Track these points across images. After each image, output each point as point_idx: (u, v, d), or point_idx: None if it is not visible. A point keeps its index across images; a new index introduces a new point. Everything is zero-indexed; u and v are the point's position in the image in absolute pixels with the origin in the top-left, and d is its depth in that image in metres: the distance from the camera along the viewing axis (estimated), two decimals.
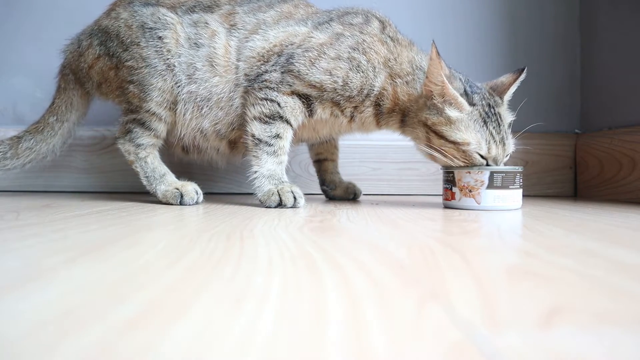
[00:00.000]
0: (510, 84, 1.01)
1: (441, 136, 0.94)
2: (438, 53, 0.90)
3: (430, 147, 0.95)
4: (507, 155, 0.97)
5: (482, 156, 0.94)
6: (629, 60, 1.27)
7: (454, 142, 0.93)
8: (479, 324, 0.28)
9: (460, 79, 0.96)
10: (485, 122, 0.93)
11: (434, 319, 0.29)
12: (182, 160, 1.19)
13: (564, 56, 1.49)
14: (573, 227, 0.71)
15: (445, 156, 0.94)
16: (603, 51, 1.38)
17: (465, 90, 0.95)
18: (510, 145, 0.97)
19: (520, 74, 1.01)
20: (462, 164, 0.95)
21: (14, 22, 1.43)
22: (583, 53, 1.47)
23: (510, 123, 1.00)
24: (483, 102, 0.95)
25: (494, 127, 0.94)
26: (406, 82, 0.97)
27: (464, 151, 0.93)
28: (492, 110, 0.95)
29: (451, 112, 0.92)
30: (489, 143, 0.93)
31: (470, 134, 0.93)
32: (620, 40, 1.31)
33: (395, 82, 0.98)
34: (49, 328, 0.26)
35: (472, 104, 0.94)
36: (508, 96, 1.01)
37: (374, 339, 0.25)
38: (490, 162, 0.95)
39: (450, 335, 0.26)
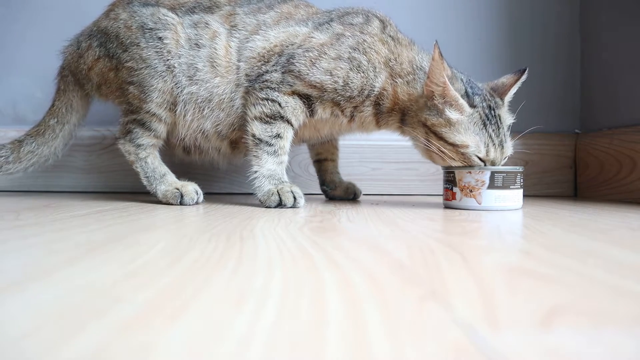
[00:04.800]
0: (512, 85, 1.00)
1: (440, 137, 0.94)
2: (441, 54, 0.90)
3: (429, 147, 0.95)
4: (505, 158, 0.97)
5: (480, 159, 0.94)
6: (629, 60, 1.27)
7: (452, 144, 0.93)
8: (479, 324, 0.28)
9: (461, 80, 0.96)
10: (485, 125, 0.93)
11: (434, 318, 0.29)
12: (182, 160, 1.19)
13: (564, 56, 1.49)
14: (573, 227, 0.71)
15: (443, 157, 0.94)
16: (603, 51, 1.38)
17: (466, 92, 0.94)
18: (509, 147, 0.97)
19: (521, 75, 1.01)
20: (460, 165, 0.95)
21: (14, 22, 1.43)
22: (583, 53, 1.47)
23: (509, 125, 0.99)
24: (484, 103, 0.95)
25: (493, 130, 0.94)
26: (407, 82, 0.97)
27: (462, 153, 0.93)
28: (492, 112, 0.95)
29: (451, 114, 0.92)
30: (488, 146, 0.93)
31: (469, 136, 0.92)
32: (620, 40, 1.31)
33: (396, 82, 0.97)
34: (49, 328, 0.26)
35: (472, 105, 0.94)
36: (509, 97, 1.01)
37: (374, 339, 0.25)
38: (488, 165, 0.95)
39: (450, 335, 0.26)
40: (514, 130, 1.01)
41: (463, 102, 0.92)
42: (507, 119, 0.99)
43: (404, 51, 1.00)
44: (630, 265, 0.45)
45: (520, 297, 0.34)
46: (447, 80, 0.90)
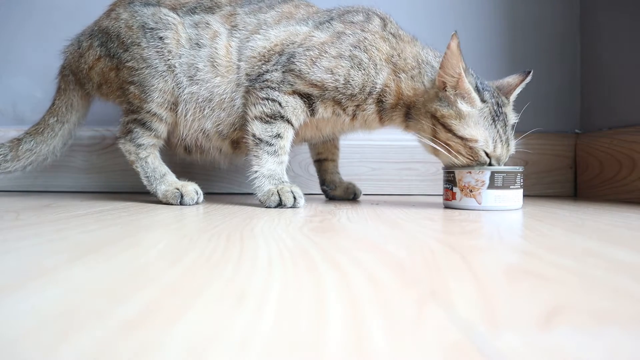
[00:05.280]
0: (517, 85, 1.01)
1: (449, 130, 0.93)
2: (459, 45, 0.89)
3: (435, 140, 0.95)
4: (509, 155, 0.98)
5: (486, 154, 0.94)
6: (629, 60, 1.27)
7: (461, 138, 0.93)
8: (479, 324, 0.28)
9: (472, 75, 0.96)
10: (494, 120, 0.93)
11: (434, 319, 0.29)
12: (183, 160, 1.19)
13: (564, 56, 1.49)
14: (573, 227, 0.71)
15: (449, 151, 0.94)
16: (603, 51, 1.38)
17: (477, 86, 0.94)
18: (513, 146, 0.98)
19: (526, 77, 1.02)
20: (464, 160, 0.94)
21: (14, 22, 1.43)
22: (583, 53, 1.47)
23: (513, 124, 1.00)
24: (493, 100, 0.95)
25: (501, 127, 0.94)
26: (411, 76, 0.97)
27: (470, 147, 0.93)
28: (500, 109, 0.95)
29: (463, 106, 0.92)
30: (496, 142, 0.93)
31: (479, 130, 0.92)
32: (620, 40, 1.31)
33: (399, 78, 0.97)
34: (49, 328, 0.26)
35: (483, 100, 0.94)
36: (513, 97, 1.01)
37: (374, 339, 0.25)
38: (493, 161, 0.95)
39: (450, 335, 0.26)
40: (515, 130, 1.01)
41: (475, 96, 0.92)
42: (512, 117, 1.00)
43: (407, 47, 1.00)
44: (630, 265, 0.45)
45: (520, 297, 0.34)
46: (462, 71, 0.90)
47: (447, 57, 0.91)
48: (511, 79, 1.03)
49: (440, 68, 0.92)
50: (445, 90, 0.93)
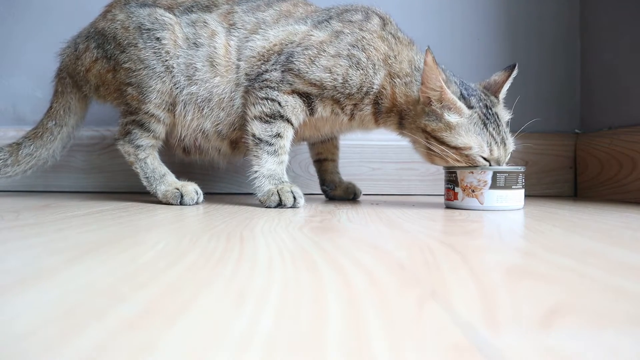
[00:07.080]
0: (504, 82, 1.00)
1: (442, 142, 0.93)
2: (434, 59, 0.89)
3: (432, 152, 0.95)
4: (508, 154, 0.97)
5: (484, 158, 0.94)
6: (629, 60, 1.27)
7: (455, 147, 0.93)
8: (479, 324, 0.28)
9: (455, 82, 0.96)
10: (485, 124, 0.93)
11: (434, 319, 0.29)
12: (182, 160, 1.19)
13: (564, 56, 1.49)
14: (573, 227, 0.71)
15: (447, 161, 0.94)
16: (603, 51, 1.38)
17: (461, 94, 0.94)
18: (511, 144, 0.97)
19: (512, 71, 1.01)
20: (465, 166, 0.94)
21: (13, 22, 1.43)
22: (583, 53, 1.47)
23: (508, 121, 0.99)
24: (480, 103, 0.94)
25: (494, 129, 0.94)
26: (404, 83, 0.97)
27: (466, 155, 0.93)
28: (489, 111, 0.95)
29: (451, 117, 0.92)
30: (491, 145, 0.93)
31: (471, 137, 0.92)
32: (620, 40, 1.31)
33: (394, 82, 0.97)
34: (49, 328, 0.26)
35: (470, 106, 0.93)
36: (502, 94, 1.01)
37: (374, 339, 0.25)
38: (493, 164, 0.95)
39: (450, 335, 0.26)
40: (513, 130, 1.01)
41: (461, 105, 0.92)
42: (505, 115, 0.99)
43: (404, 50, 1.00)
44: (630, 265, 0.45)
45: (520, 297, 0.34)
46: (443, 84, 0.90)
47: (426, 72, 0.90)
48: (497, 77, 1.02)
49: (422, 84, 0.92)
50: (431, 105, 0.92)
